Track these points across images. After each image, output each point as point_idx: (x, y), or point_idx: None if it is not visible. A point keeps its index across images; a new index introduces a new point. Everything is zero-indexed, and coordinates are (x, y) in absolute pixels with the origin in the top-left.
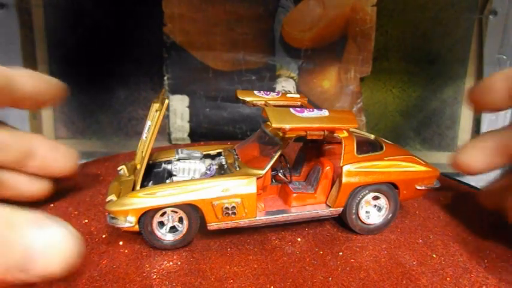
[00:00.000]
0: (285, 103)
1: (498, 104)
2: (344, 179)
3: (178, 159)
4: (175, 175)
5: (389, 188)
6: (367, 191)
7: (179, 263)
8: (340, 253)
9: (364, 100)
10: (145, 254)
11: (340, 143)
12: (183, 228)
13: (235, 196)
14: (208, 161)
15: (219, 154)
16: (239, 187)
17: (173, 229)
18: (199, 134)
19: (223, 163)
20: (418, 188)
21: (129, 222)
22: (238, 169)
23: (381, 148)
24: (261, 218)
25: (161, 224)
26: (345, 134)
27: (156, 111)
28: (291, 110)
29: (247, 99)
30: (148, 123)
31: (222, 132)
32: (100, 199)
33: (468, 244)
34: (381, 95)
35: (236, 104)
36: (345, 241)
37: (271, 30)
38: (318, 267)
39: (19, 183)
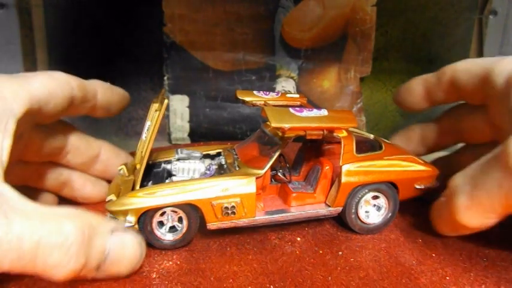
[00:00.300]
0: (285, 103)
1: (417, 105)
2: (343, 179)
3: (178, 159)
4: (174, 175)
5: (389, 187)
6: (366, 191)
7: (179, 262)
8: (340, 252)
9: (364, 100)
10: (145, 254)
11: (339, 142)
12: (182, 227)
13: (235, 196)
14: (207, 161)
15: (218, 154)
16: (238, 187)
17: (173, 229)
18: (199, 134)
19: (223, 163)
20: (418, 187)
21: (128, 221)
22: (237, 169)
23: (380, 148)
24: (261, 218)
25: (161, 223)
26: (344, 133)
27: (156, 111)
28: (290, 109)
29: (247, 99)
30: (148, 123)
31: (222, 132)
32: None
33: (467, 243)
34: (381, 95)
35: (236, 104)
36: (345, 240)
37: (271, 30)
38: (318, 267)
39: (85, 185)
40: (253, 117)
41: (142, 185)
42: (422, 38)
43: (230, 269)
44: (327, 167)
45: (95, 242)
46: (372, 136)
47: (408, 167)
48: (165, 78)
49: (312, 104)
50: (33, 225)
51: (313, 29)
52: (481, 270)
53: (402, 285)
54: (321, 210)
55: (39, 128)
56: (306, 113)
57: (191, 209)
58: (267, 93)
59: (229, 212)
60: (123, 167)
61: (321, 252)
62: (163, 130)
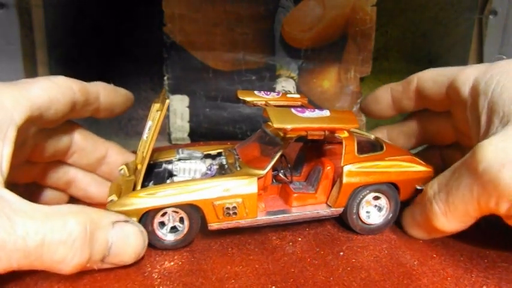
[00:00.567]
0: (286, 103)
1: (384, 112)
2: (345, 179)
3: (179, 159)
4: (175, 175)
5: (390, 188)
6: (367, 191)
7: (180, 263)
8: (341, 253)
9: None
10: (146, 254)
11: (340, 143)
12: (183, 228)
13: (236, 196)
14: (208, 161)
15: (219, 154)
16: (240, 187)
17: (174, 229)
18: (199, 134)
19: (224, 163)
20: (419, 188)
21: None
22: (239, 169)
23: (381, 148)
24: (262, 218)
25: (162, 224)
26: (346, 134)
27: (157, 111)
28: (292, 110)
29: (248, 99)
30: (149, 123)
31: (222, 132)
32: None
33: (468, 244)
34: None
35: (236, 104)
36: (346, 241)
37: (271, 30)
38: (319, 267)
39: (90, 185)
40: (253, 117)
41: (143, 185)
42: (422, 38)
43: (232, 270)
44: (328, 168)
45: (98, 235)
46: (372, 136)
47: (409, 167)
48: (165, 78)
49: (313, 104)
50: (36, 224)
51: (313, 29)
52: (482, 271)
53: (403, 286)
54: (322, 210)
55: (43, 131)
56: (307, 113)
57: (192, 210)
58: (268, 93)
59: (231, 212)
60: (124, 167)
61: (322, 252)
62: (164, 130)
